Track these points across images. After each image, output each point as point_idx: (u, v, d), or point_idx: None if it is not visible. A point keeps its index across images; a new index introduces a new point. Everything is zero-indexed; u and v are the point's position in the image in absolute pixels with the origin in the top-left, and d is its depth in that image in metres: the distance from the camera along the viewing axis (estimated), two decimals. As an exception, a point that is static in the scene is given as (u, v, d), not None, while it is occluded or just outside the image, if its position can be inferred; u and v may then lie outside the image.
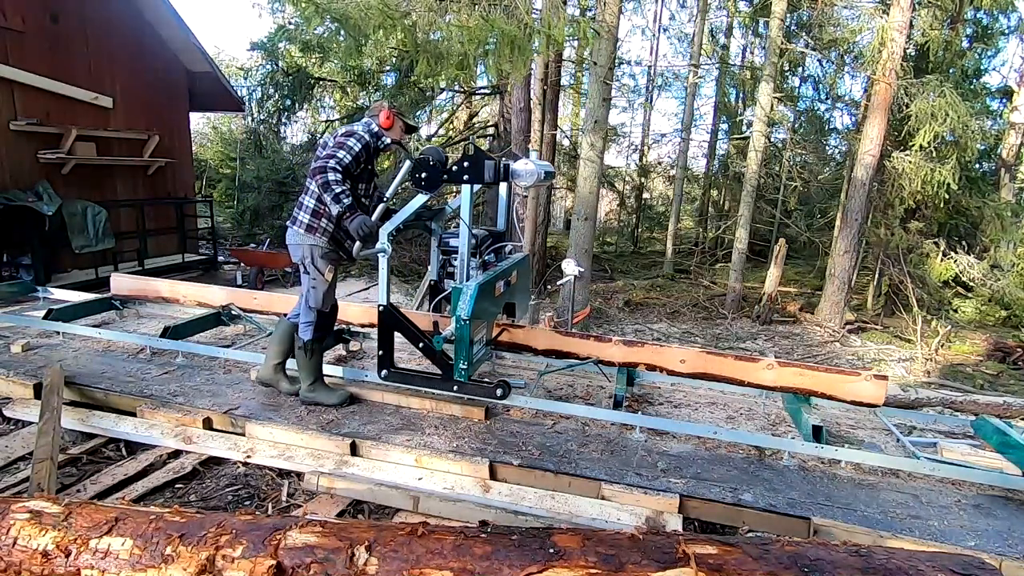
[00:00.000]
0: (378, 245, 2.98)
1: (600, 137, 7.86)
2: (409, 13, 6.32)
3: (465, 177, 2.96)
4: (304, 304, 3.18)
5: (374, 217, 2.99)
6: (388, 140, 3.08)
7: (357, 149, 2.95)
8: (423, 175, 2.96)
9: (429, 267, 3.55)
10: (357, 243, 2.95)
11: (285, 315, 3.46)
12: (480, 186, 3.05)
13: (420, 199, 3.03)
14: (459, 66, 6.45)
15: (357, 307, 4.31)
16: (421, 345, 3.09)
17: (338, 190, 2.83)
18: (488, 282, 3.04)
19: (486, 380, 3.20)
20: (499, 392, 3.11)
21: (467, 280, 3.07)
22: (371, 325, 4.25)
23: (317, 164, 2.87)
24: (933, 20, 9.44)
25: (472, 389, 3.15)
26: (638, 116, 20.52)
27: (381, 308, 3.10)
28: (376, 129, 3.06)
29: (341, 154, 2.89)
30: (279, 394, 3.38)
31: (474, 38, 5.81)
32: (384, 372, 3.20)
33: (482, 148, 3.11)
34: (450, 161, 3.05)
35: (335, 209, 2.86)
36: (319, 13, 6.59)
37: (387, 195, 3.09)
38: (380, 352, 3.17)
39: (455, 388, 3.12)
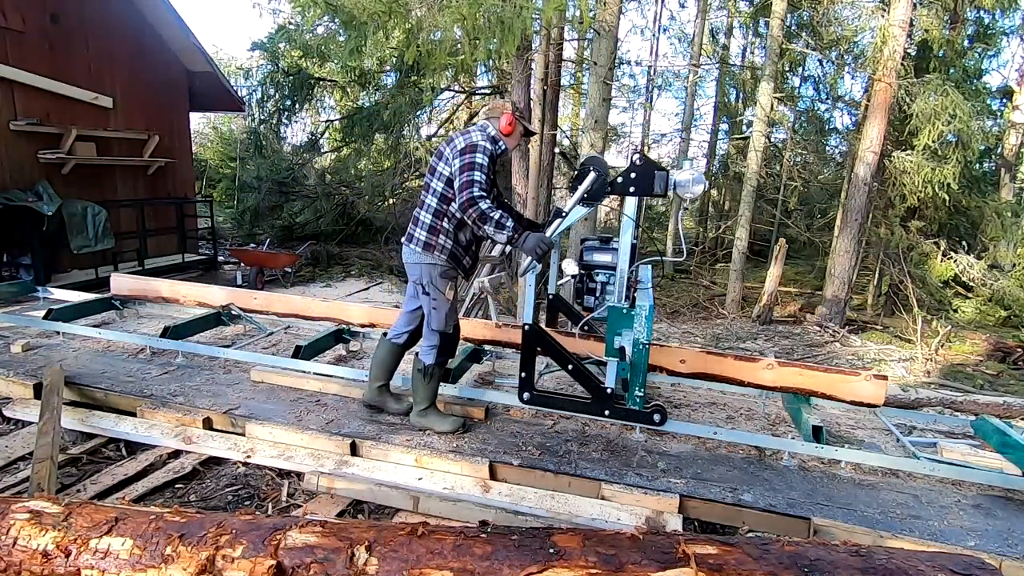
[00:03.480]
0: (530, 261, 2.79)
1: (600, 137, 7.85)
2: (407, 3, 6.32)
3: (632, 189, 2.76)
4: (426, 327, 2.98)
5: (549, 232, 2.80)
6: (505, 146, 2.89)
7: (487, 163, 2.73)
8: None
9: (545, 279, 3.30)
10: (527, 259, 2.77)
11: (384, 333, 3.23)
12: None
13: (580, 211, 2.87)
14: (451, 53, 6.42)
15: (357, 307, 4.31)
16: (571, 367, 2.94)
17: (496, 216, 2.65)
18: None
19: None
20: (656, 418, 2.89)
21: (624, 299, 2.86)
22: (371, 325, 4.25)
23: (462, 198, 2.66)
24: (934, 19, 9.44)
25: (625, 415, 2.94)
26: (638, 116, 20.52)
27: (526, 327, 2.91)
28: (494, 134, 2.85)
29: (478, 176, 2.68)
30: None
31: (460, 17, 5.78)
32: (526, 395, 3.01)
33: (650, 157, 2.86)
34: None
35: (501, 237, 2.68)
36: (315, 2, 6.57)
37: (565, 210, 2.86)
38: (523, 374, 2.97)
39: (606, 413, 2.93)
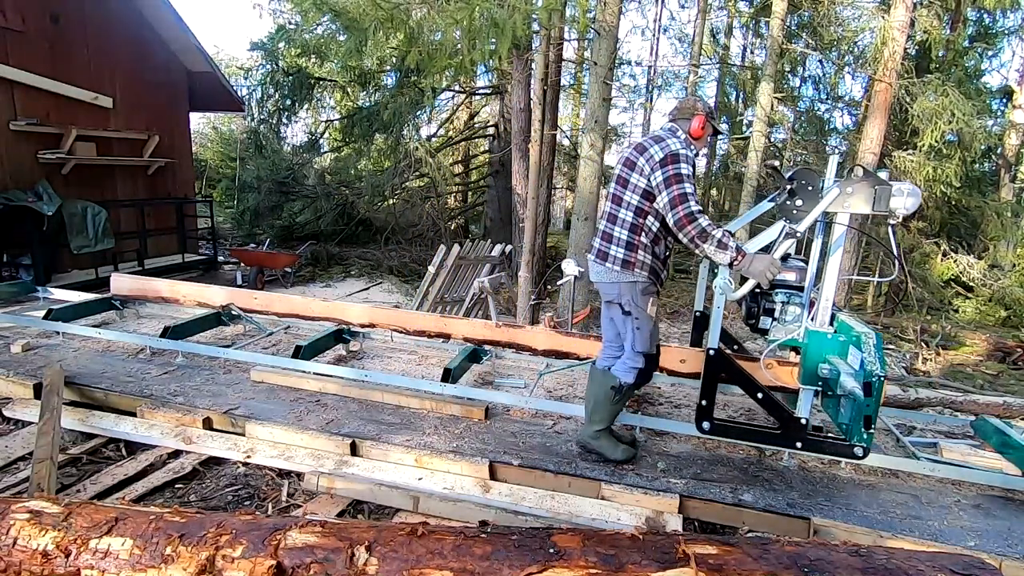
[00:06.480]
0: (724, 283, 2.58)
1: (600, 137, 7.85)
2: (407, 8, 6.33)
3: (847, 204, 2.59)
4: (629, 349, 2.77)
5: (777, 254, 2.57)
6: (697, 151, 2.73)
7: (691, 173, 2.55)
8: (801, 202, 2.57)
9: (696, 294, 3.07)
10: (748, 283, 2.58)
11: (593, 362, 3.00)
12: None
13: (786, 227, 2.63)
14: (451, 55, 6.42)
15: (357, 307, 4.31)
16: (760, 396, 2.75)
17: (719, 235, 2.46)
18: None
19: (831, 436, 2.74)
20: (859, 452, 2.61)
21: (828, 323, 2.65)
22: (371, 325, 4.25)
23: (678, 214, 2.48)
24: (935, 19, 9.44)
25: (822, 448, 2.71)
26: (638, 116, 20.52)
27: (711, 352, 2.73)
28: (685, 138, 2.68)
29: (689, 187, 2.50)
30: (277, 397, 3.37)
31: (455, 20, 5.78)
32: (706, 425, 2.80)
33: (869, 169, 2.61)
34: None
35: (723, 258, 2.49)
36: (317, 6, 6.57)
37: (799, 229, 2.60)
38: (702, 402, 2.79)
39: (798, 445, 2.71)
